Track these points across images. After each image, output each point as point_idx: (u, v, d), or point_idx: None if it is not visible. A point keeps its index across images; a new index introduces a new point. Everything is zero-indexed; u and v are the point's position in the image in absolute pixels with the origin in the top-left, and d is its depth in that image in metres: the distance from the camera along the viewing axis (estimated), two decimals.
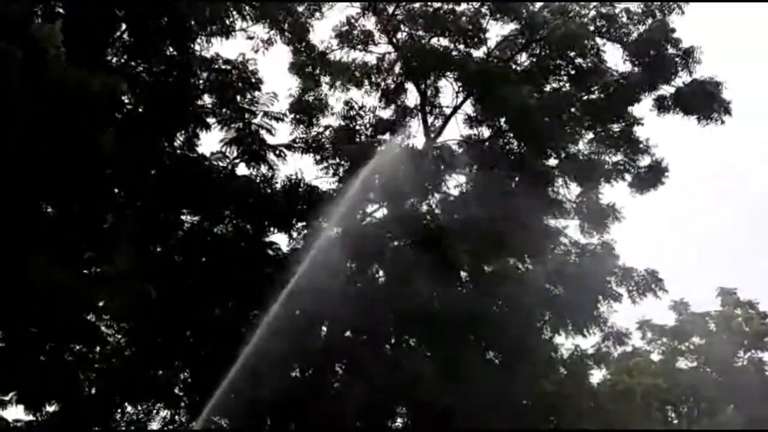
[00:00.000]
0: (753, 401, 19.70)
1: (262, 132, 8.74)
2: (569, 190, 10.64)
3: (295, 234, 8.92)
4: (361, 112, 10.57)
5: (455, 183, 10.00)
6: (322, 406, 8.26)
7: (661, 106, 10.49)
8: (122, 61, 6.14)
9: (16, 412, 8.47)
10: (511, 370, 8.50)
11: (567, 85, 10.72)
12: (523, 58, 10.75)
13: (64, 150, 4.38)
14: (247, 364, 7.76)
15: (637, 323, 23.93)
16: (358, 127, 10.44)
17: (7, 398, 8.26)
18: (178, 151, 7.48)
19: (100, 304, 4.34)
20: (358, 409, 8.14)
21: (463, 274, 8.45)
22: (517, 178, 9.65)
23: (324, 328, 9.66)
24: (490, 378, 8.06)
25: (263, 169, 8.67)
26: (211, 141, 8.58)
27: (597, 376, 19.17)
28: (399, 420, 9.30)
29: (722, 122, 10.01)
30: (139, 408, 9.69)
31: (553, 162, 10.32)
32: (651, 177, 10.60)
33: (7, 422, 8.45)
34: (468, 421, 7.90)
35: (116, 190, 4.64)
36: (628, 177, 10.65)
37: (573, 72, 10.46)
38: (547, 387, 8.39)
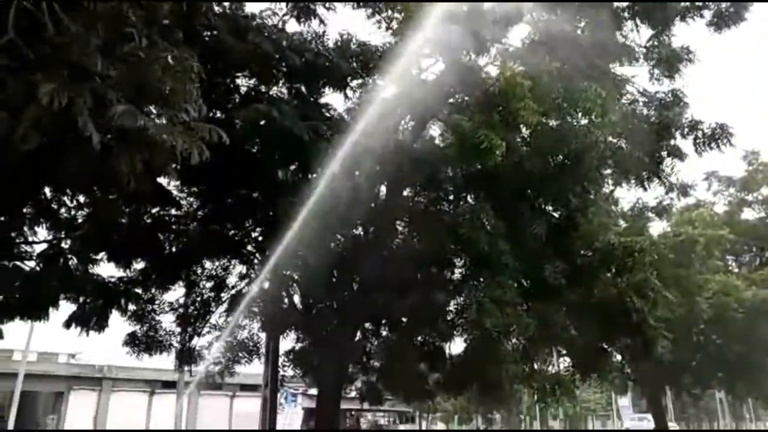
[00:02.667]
0: None
1: None
2: (639, 34, 9.88)
3: (350, 93, 8.79)
4: None
5: (517, 34, 9.47)
6: (384, 261, 8.62)
7: None
8: None
9: (108, 269, 9.36)
10: (573, 223, 8.50)
11: None
12: None
13: None
14: (310, 224, 8.09)
15: (703, 174, 23.32)
16: None
17: (98, 257, 9.08)
18: (227, 11, 7.30)
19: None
20: (418, 263, 8.48)
21: (524, 129, 8.21)
22: (582, 23, 8.97)
23: (383, 188, 9.86)
24: (552, 230, 8.13)
25: (314, 24, 8.38)
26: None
27: (658, 227, 19.17)
28: (457, 272, 9.62)
29: None
30: (217, 264, 10.53)
31: (623, 3, 9.50)
32: (732, 12, 9.62)
33: (102, 278, 9.36)
34: (529, 274, 8.14)
35: None
36: (707, 14, 9.69)
37: None
38: (610, 239, 8.42)
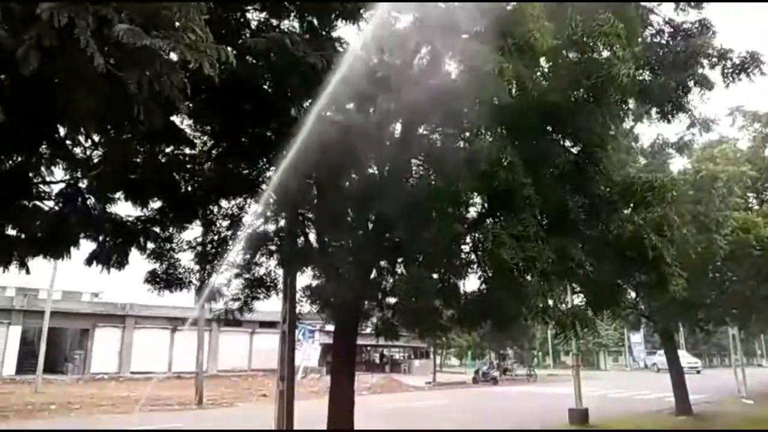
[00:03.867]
0: None
1: None
2: None
3: (363, 26, 8.51)
4: None
5: None
6: (399, 199, 8.57)
7: None
8: None
9: (126, 208, 9.44)
10: (592, 159, 8.35)
11: None
12: None
13: None
14: (324, 160, 8.03)
15: (728, 110, 22.71)
16: None
17: (116, 196, 9.15)
18: None
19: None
20: (435, 201, 8.42)
21: (543, 62, 7.94)
22: None
23: (399, 125, 9.72)
24: (570, 165, 8.02)
25: None
26: None
27: (679, 164, 18.88)
28: (472, 210, 9.58)
29: None
30: (233, 202, 10.58)
31: None
32: None
33: (120, 217, 9.47)
34: (547, 210, 8.08)
35: None
36: None
37: None
38: (629, 173, 8.30)
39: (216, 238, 10.81)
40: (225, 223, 10.82)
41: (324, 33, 8.41)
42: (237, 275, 11.17)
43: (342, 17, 8.22)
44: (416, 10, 7.53)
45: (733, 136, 22.55)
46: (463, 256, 9.47)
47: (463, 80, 7.57)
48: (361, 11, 8.25)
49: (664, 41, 9.93)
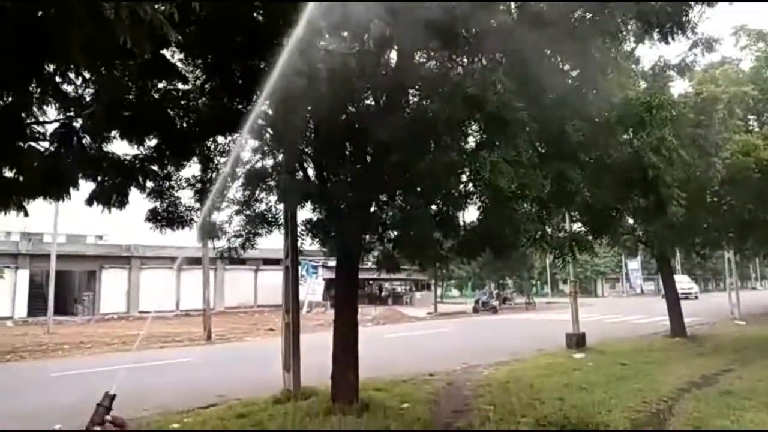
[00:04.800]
0: None
1: None
2: None
3: None
4: None
5: None
6: (396, 130, 8.49)
7: None
8: None
9: (122, 147, 9.38)
10: (591, 82, 8.22)
11: None
12: None
13: None
14: (318, 93, 7.88)
15: (731, 29, 22.17)
16: None
17: (111, 135, 9.07)
18: None
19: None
20: (432, 131, 8.34)
21: None
22: None
23: (394, 53, 9.51)
24: (568, 89, 7.90)
25: None
26: None
27: (681, 87, 18.56)
28: (471, 139, 9.53)
29: None
30: (229, 138, 10.49)
31: None
32: None
33: (118, 156, 9.43)
34: (545, 135, 8.02)
35: None
36: None
37: None
38: (628, 94, 8.19)
39: (214, 174, 10.78)
40: (223, 159, 10.77)
41: None
42: (238, 212, 11.23)
43: None
44: None
45: (737, 57, 22.12)
46: (461, 186, 9.49)
47: (456, 6, 7.34)
48: None
49: None
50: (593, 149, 8.73)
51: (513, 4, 6.42)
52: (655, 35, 10.06)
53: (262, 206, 11.22)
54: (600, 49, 8.32)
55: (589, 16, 7.55)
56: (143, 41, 4.44)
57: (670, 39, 9.92)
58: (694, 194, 13.15)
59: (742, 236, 22.56)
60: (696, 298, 57.69)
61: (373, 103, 9.84)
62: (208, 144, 10.46)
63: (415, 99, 9.73)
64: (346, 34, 8.77)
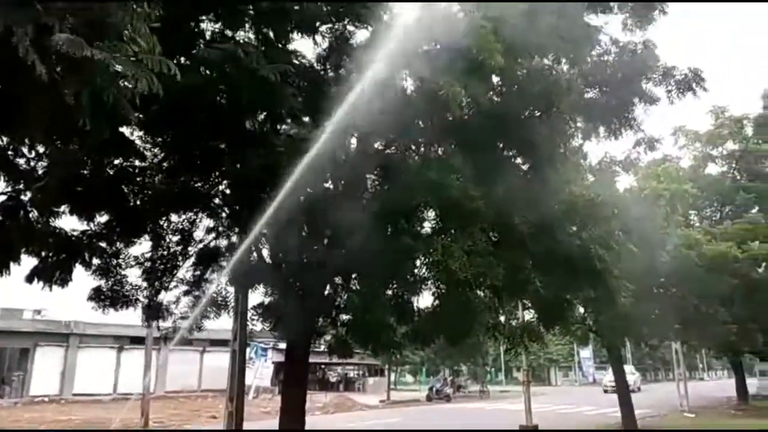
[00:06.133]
0: None
1: None
2: None
3: (320, 39, 8.54)
4: None
5: None
6: (354, 214, 8.57)
7: None
8: None
9: (71, 222, 9.12)
10: (541, 175, 8.57)
11: None
12: None
13: None
14: (276, 175, 7.96)
15: (671, 129, 23.75)
16: None
17: (60, 210, 8.83)
18: None
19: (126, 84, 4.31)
20: (389, 216, 8.46)
21: (495, 78, 8.12)
22: None
23: (354, 140, 9.74)
24: (520, 182, 8.20)
25: None
26: None
27: (626, 182, 19.56)
28: (427, 225, 9.66)
29: None
30: (183, 217, 10.35)
31: None
32: None
33: (65, 231, 9.13)
34: (499, 220, 8.21)
35: None
36: None
37: None
38: (575, 191, 8.56)
39: (165, 253, 10.54)
40: (175, 238, 10.57)
41: (280, 45, 8.39)
42: (186, 292, 10.90)
43: (299, 30, 8.22)
44: (372, 28, 7.62)
45: (676, 155, 23.61)
46: (416, 271, 9.52)
47: (417, 97, 7.68)
48: (318, 24, 8.29)
49: (611, 60, 10.31)
50: (544, 240, 8.97)
51: (466, 104, 6.75)
52: (602, 132, 10.72)
53: (213, 287, 10.95)
54: (550, 143, 8.75)
55: (537, 114, 7.96)
56: (102, 124, 4.43)
57: (616, 135, 10.58)
58: (641, 286, 13.52)
59: (687, 328, 23.09)
60: (639, 389, 57.56)
61: (331, 186, 9.96)
62: (161, 222, 10.27)
63: (375, 183, 9.92)
64: (307, 119, 9.01)
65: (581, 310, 18.58)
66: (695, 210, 22.12)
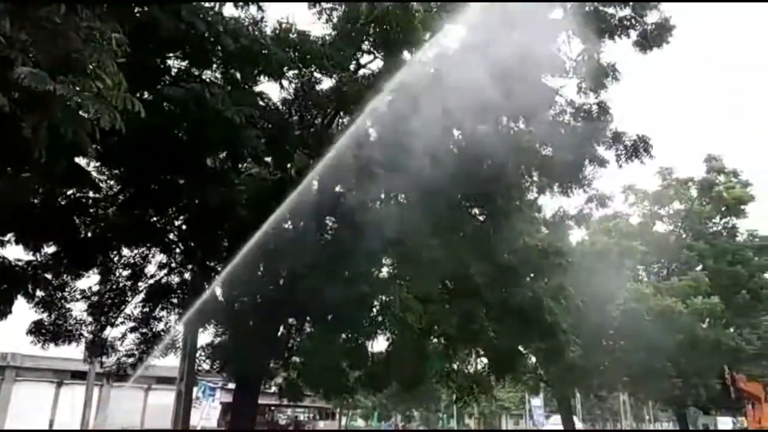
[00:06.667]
0: (721, 264, 20.76)
1: None
2: (570, 48, 10.26)
3: (285, 83, 8.65)
4: None
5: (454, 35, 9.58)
6: (311, 256, 8.55)
7: None
8: None
9: (16, 252, 8.79)
10: (497, 226, 8.75)
11: None
12: None
13: None
14: (237, 213, 7.91)
15: (621, 187, 24.62)
16: None
17: (6, 239, 8.52)
18: None
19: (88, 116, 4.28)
20: (346, 260, 8.46)
21: (455, 132, 8.36)
22: (518, 31, 9.21)
23: (315, 183, 9.78)
24: (476, 232, 8.35)
25: (252, 10, 8.18)
26: None
27: (578, 236, 20.08)
28: (384, 270, 9.69)
29: None
30: (135, 251, 10.11)
31: (558, 14, 9.83)
32: (656, 35, 10.15)
33: (9, 261, 8.79)
34: (455, 270, 8.30)
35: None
36: (633, 34, 10.16)
37: None
38: (529, 243, 8.77)
39: (114, 287, 10.23)
40: (125, 273, 10.29)
41: (246, 86, 8.45)
42: (133, 329, 10.56)
43: (264, 73, 8.31)
44: (337, 75, 7.77)
45: (626, 212, 24.43)
46: (371, 316, 9.49)
47: (380, 146, 7.82)
48: (284, 69, 8.39)
49: (566, 121, 10.73)
50: (498, 290, 9.10)
51: (424, 152, 6.92)
52: (555, 188, 11.06)
53: (161, 325, 10.64)
54: (506, 197, 8.98)
55: (495, 169, 8.19)
56: (59, 156, 4.36)
57: (568, 192, 10.93)
58: (592, 338, 13.76)
59: (635, 380, 23.46)
60: None
61: (291, 226, 9.92)
62: (112, 255, 10.00)
63: (333, 227, 9.93)
64: (269, 159, 9.02)
65: (533, 359, 18.72)
66: (643, 265, 22.81)
